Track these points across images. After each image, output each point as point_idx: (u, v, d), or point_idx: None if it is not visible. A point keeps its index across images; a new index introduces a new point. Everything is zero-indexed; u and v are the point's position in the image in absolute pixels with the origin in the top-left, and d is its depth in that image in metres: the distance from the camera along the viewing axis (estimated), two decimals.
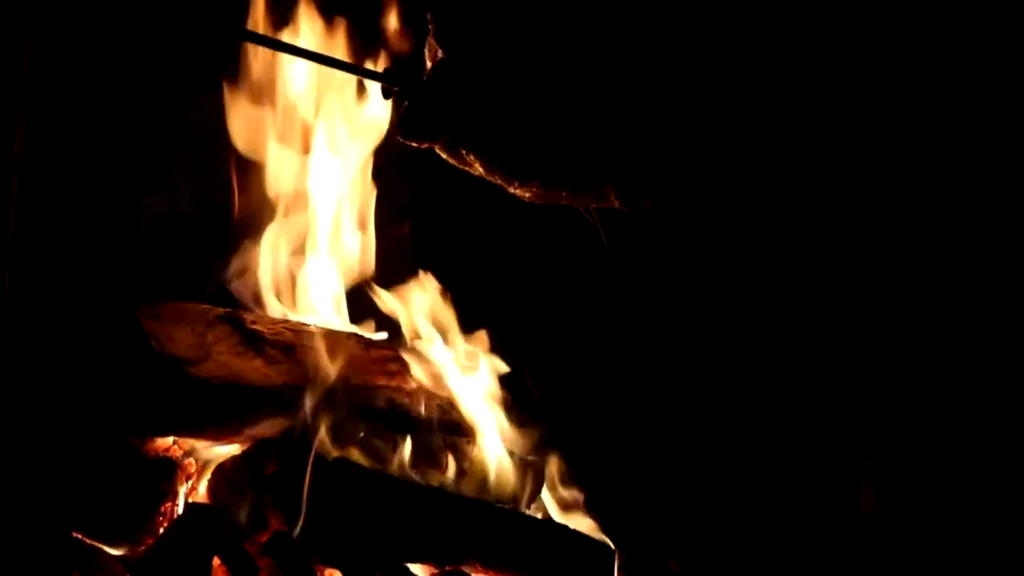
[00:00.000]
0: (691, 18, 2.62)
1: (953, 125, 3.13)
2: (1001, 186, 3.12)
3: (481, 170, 2.53)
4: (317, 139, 2.95)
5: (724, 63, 2.68)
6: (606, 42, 2.53)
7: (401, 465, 2.64)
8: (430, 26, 2.52)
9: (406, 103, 2.55)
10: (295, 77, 2.93)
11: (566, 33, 2.52)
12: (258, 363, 2.62)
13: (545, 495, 2.83)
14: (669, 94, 2.57)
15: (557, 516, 2.81)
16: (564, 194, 2.56)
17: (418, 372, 2.80)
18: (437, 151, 2.55)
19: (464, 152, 2.51)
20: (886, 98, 3.16)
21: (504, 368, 2.92)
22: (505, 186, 2.55)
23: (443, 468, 2.69)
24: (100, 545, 2.50)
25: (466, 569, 2.57)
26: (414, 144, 2.54)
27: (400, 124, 2.52)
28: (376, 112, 2.91)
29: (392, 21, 2.92)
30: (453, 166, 2.58)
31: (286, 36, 2.84)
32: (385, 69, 2.63)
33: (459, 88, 2.49)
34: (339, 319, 2.90)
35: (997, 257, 3.12)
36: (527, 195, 2.57)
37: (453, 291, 2.98)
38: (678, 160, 2.58)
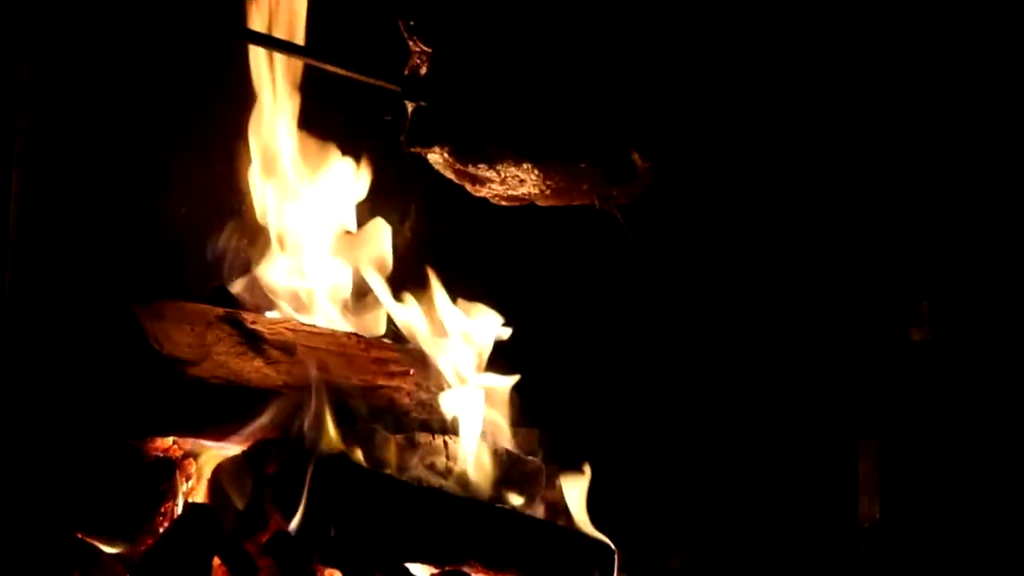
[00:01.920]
0: None
1: (954, 123, 3.13)
2: (1002, 186, 3.12)
3: (498, 172, 2.48)
4: (321, 139, 2.96)
5: (729, 43, 2.68)
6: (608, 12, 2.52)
7: (401, 465, 2.64)
8: (404, 33, 2.48)
9: (412, 111, 2.51)
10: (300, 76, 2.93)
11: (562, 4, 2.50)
12: (258, 363, 2.62)
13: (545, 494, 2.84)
14: (676, 63, 2.55)
15: (557, 515, 2.81)
16: (584, 166, 2.50)
17: (419, 372, 2.80)
18: (438, 165, 2.51)
19: (478, 148, 2.46)
20: (888, 97, 3.16)
21: (506, 367, 2.92)
22: (522, 178, 2.49)
23: (443, 468, 2.69)
24: (100, 545, 2.50)
25: (466, 569, 2.57)
26: (422, 150, 2.49)
27: (410, 131, 2.47)
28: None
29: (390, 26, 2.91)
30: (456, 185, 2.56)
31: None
32: (385, 72, 2.62)
33: (460, 81, 2.45)
34: (340, 319, 2.91)
35: (998, 258, 3.12)
36: (548, 190, 2.52)
37: (454, 291, 2.98)
38: (693, 121, 2.55)
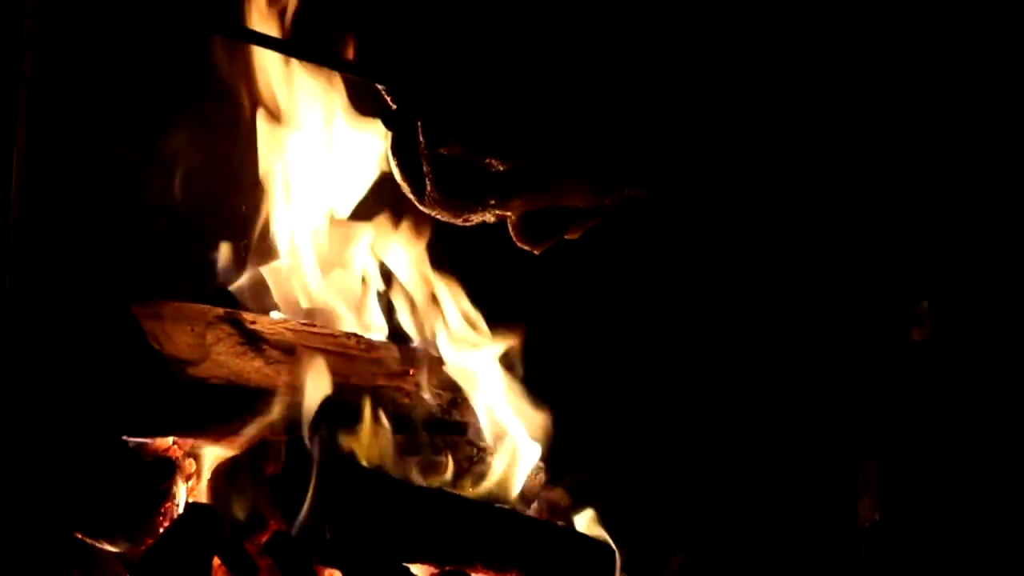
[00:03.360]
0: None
1: (954, 124, 3.13)
2: (1003, 186, 3.12)
3: (515, 161, 2.42)
4: (321, 135, 2.96)
5: (724, 49, 2.67)
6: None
7: (402, 465, 2.64)
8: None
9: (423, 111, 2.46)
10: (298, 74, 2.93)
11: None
12: (258, 363, 2.62)
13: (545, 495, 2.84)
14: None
15: (558, 515, 2.82)
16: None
17: (420, 371, 2.80)
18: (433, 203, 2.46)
19: (499, 134, 2.39)
20: (888, 98, 3.16)
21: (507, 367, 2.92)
22: (545, 164, 2.42)
23: (443, 468, 2.69)
24: (100, 545, 2.50)
25: (467, 569, 2.57)
26: (443, 151, 2.43)
27: (426, 131, 2.41)
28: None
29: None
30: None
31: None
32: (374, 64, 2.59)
33: (464, 76, 2.42)
34: (340, 319, 2.91)
35: (998, 259, 3.12)
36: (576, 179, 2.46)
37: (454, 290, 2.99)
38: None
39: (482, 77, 2.41)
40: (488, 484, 2.72)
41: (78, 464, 2.52)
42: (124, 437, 2.54)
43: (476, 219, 2.46)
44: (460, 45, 2.42)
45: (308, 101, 2.92)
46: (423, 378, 2.81)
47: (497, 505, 2.67)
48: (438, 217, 2.48)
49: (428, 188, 2.42)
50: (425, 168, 2.41)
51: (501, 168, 2.40)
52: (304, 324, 2.77)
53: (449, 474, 2.68)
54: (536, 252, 2.54)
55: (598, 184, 2.47)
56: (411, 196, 2.47)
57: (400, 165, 2.46)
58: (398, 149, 2.46)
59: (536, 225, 2.50)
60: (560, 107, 2.42)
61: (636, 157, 2.50)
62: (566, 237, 2.53)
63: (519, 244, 2.52)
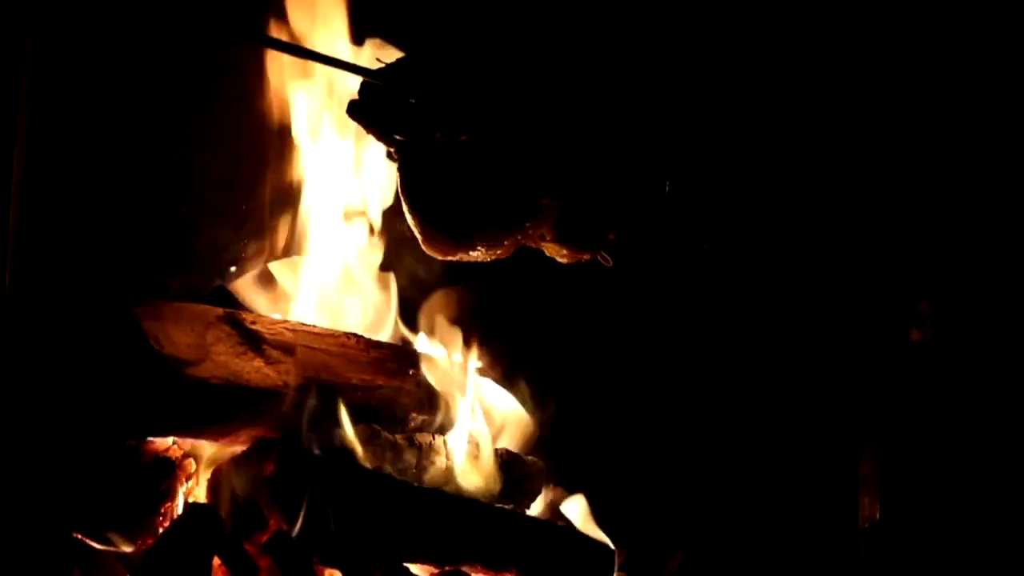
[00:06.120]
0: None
1: (954, 124, 3.13)
2: (1002, 186, 3.12)
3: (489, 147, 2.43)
4: (324, 136, 2.96)
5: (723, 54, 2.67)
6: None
7: (401, 465, 2.64)
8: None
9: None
10: (300, 72, 2.93)
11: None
12: (258, 363, 2.62)
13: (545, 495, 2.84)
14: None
15: (557, 515, 2.82)
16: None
17: (420, 371, 2.80)
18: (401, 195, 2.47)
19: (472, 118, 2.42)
20: (888, 100, 3.16)
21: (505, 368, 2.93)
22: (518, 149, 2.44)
23: (442, 468, 2.69)
24: (100, 545, 2.50)
25: (466, 569, 2.57)
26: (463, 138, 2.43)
27: (443, 126, 2.42)
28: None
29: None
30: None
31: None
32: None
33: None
34: (340, 319, 2.91)
35: (998, 259, 3.12)
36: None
37: (454, 291, 2.99)
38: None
39: (492, 64, 2.43)
40: (488, 484, 2.73)
41: (78, 464, 2.52)
42: (124, 437, 2.55)
43: (507, 235, 2.48)
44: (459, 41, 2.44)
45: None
46: (423, 378, 2.81)
47: (497, 505, 2.67)
48: (462, 255, 2.51)
49: (456, 206, 2.43)
50: (449, 182, 2.43)
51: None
52: (304, 324, 2.77)
53: (448, 474, 2.68)
54: (584, 259, 2.56)
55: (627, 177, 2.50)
56: (432, 241, 2.49)
57: (411, 201, 2.49)
58: (410, 190, 2.48)
59: (574, 230, 2.52)
60: (578, 99, 2.44)
61: (642, 156, 2.51)
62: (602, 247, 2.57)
63: (560, 257, 2.55)
